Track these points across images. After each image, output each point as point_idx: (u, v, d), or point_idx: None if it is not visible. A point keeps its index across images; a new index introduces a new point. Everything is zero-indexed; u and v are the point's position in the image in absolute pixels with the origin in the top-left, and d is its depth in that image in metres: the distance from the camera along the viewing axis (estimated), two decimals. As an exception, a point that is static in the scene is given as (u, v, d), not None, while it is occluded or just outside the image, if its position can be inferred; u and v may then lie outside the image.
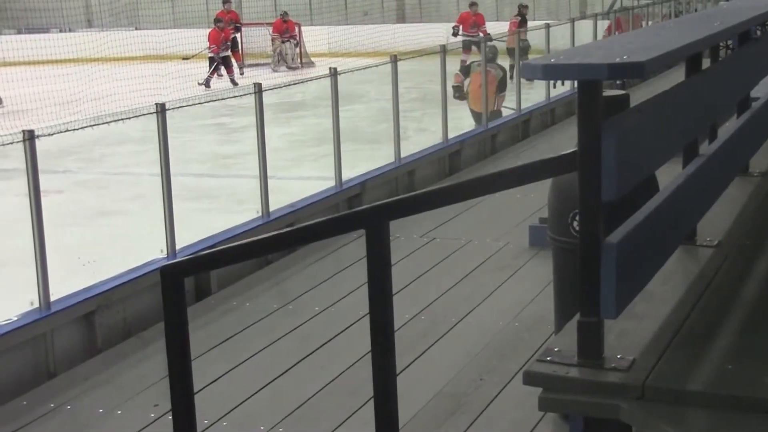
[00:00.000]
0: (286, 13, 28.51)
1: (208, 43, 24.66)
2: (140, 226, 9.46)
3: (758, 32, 5.89)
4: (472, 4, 22.86)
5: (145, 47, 26.19)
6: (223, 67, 24.34)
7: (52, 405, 5.64)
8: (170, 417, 2.96)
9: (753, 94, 5.03)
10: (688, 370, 2.73)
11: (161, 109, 7.44)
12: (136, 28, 31.92)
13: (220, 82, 23.51)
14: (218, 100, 10.49)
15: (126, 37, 26.71)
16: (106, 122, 7.76)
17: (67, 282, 6.87)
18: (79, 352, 6.48)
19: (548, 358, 2.76)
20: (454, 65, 14.93)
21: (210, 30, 24.89)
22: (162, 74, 21.39)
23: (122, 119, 7.68)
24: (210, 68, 24.21)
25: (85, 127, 7.41)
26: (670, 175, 3.45)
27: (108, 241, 9.67)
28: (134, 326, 6.84)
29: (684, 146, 3.64)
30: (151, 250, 7.47)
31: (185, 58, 25.79)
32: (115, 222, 10.63)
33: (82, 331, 6.58)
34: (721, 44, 5.15)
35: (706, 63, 3.85)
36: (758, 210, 4.35)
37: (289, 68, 26.82)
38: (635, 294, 2.92)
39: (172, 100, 8.19)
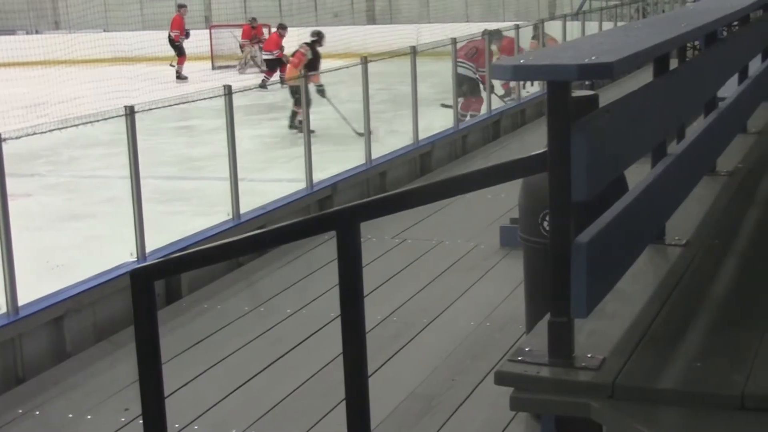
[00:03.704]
0: (254, 19, 28.47)
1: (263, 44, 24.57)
2: (110, 230, 9.40)
3: (724, 33, 5.94)
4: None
5: (114, 49, 26.09)
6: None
7: (21, 411, 5.59)
8: (141, 421, 2.95)
9: (720, 94, 5.08)
10: (658, 369, 2.74)
11: (130, 112, 7.41)
12: (105, 30, 31.75)
13: (187, 85, 23.43)
14: (187, 102, 10.44)
15: (94, 39, 26.57)
16: (75, 125, 7.70)
17: (36, 286, 6.82)
18: (49, 356, 6.43)
19: (519, 358, 2.77)
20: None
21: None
22: (131, 76, 21.30)
23: (91, 122, 7.63)
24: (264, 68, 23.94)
25: (53, 129, 7.36)
26: (639, 174, 3.47)
27: (78, 244, 9.61)
28: (104, 330, 6.80)
29: (652, 146, 3.66)
30: (121, 254, 7.43)
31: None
32: (85, 225, 10.56)
33: (51, 336, 6.53)
34: (688, 45, 5.19)
35: (674, 63, 3.87)
36: (726, 209, 4.39)
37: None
38: (605, 293, 2.94)
39: (142, 102, 8.16)
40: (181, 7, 27.56)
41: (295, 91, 14.90)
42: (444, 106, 13.93)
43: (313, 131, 15.11)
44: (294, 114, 15.38)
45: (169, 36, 26.51)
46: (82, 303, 6.74)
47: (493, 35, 15.92)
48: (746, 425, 2.52)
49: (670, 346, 2.88)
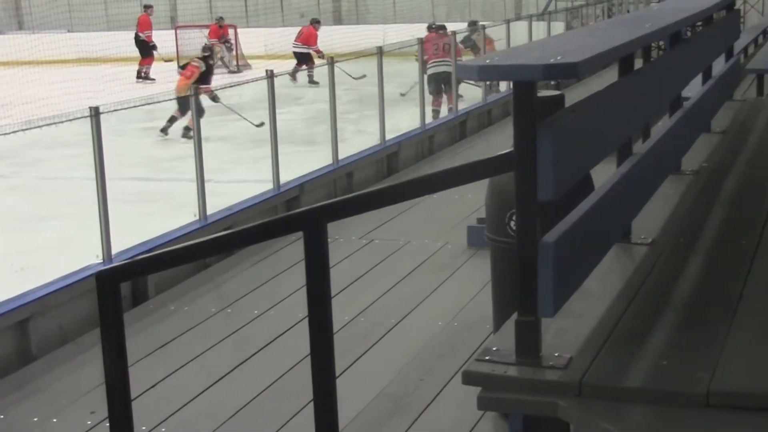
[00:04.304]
0: (221, 18, 28.37)
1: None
2: (76, 231, 9.34)
3: (688, 33, 5.99)
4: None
5: (79, 50, 25.89)
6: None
7: (-13, 414, 5.55)
8: (107, 424, 2.93)
9: (684, 93, 5.11)
10: (625, 367, 2.76)
11: (95, 113, 7.36)
12: (69, 31, 31.49)
13: (153, 85, 23.30)
14: (153, 103, 10.40)
15: (58, 39, 26.36)
16: (39, 126, 7.65)
17: (1, 289, 6.76)
18: (13, 360, 6.38)
19: (487, 358, 2.78)
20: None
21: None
22: (96, 77, 21.16)
23: (55, 123, 7.58)
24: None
25: (17, 131, 7.30)
26: (604, 174, 3.49)
27: (43, 246, 9.53)
28: (70, 333, 6.75)
29: (618, 145, 3.68)
30: (87, 255, 7.38)
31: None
32: (51, 227, 10.49)
33: (16, 339, 6.48)
34: (652, 45, 5.23)
35: (638, 63, 3.90)
36: (691, 208, 4.42)
37: (230, 72, 26.64)
38: (572, 292, 2.95)
39: (107, 103, 8.10)
40: (147, 7, 27.41)
41: (184, 103, 15.22)
42: (402, 95, 14.19)
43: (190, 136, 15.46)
44: (172, 119, 15.81)
45: (137, 36, 26.29)
46: (48, 305, 6.70)
47: (439, 29, 16.44)
48: (711, 422, 2.54)
49: (637, 345, 2.90)
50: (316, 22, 24.87)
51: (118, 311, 2.86)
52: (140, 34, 26.34)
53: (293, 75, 21.12)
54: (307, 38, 24.11)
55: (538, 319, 2.74)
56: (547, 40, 5.54)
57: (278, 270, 7.74)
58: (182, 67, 17.35)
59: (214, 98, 15.28)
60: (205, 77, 16.21)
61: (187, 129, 15.45)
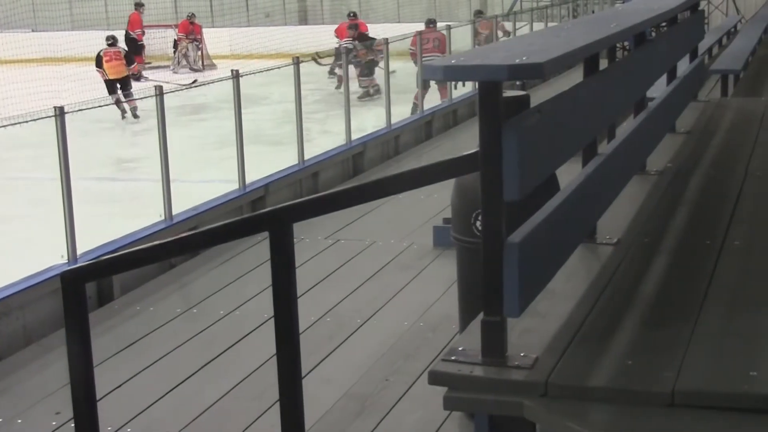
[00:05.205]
0: (193, 15, 28.20)
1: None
2: (41, 232, 9.26)
3: (653, 34, 6.03)
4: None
5: (43, 49, 25.66)
6: None
7: (-51, 416, 5.49)
8: (72, 425, 2.91)
9: (649, 94, 5.15)
10: (590, 367, 2.77)
11: (60, 113, 7.31)
12: (33, 30, 31.22)
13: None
14: (118, 103, 10.34)
15: (22, 39, 26.12)
16: (3, 126, 7.58)
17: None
18: (-23, 361, 6.33)
19: (453, 358, 2.78)
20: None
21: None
22: (61, 77, 20.98)
23: (19, 123, 7.52)
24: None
25: (-19, 131, 7.24)
26: (570, 174, 3.50)
27: (7, 247, 9.44)
28: (35, 333, 6.70)
29: (583, 146, 3.70)
30: (52, 256, 7.33)
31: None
32: (15, 228, 10.39)
33: (-21, 340, 6.42)
34: (617, 45, 5.26)
35: (603, 64, 3.92)
36: (655, 208, 4.44)
37: (192, 70, 26.49)
38: (537, 292, 2.96)
39: (72, 103, 8.04)
40: (139, 5, 27.12)
41: (126, 84, 17.37)
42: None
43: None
44: (118, 102, 17.14)
45: (128, 34, 25.97)
46: (12, 306, 6.64)
47: (429, 23, 16.71)
48: (676, 421, 2.56)
49: (602, 344, 2.91)
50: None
51: (83, 311, 2.85)
52: (131, 33, 26.09)
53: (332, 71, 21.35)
54: (342, 33, 24.07)
55: (504, 319, 2.75)
56: (512, 41, 5.56)
57: (244, 270, 7.72)
58: (98, 66, 18.63)
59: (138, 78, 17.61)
60: (129, 58, 18.78)
61: (135, 108, 16.83)
